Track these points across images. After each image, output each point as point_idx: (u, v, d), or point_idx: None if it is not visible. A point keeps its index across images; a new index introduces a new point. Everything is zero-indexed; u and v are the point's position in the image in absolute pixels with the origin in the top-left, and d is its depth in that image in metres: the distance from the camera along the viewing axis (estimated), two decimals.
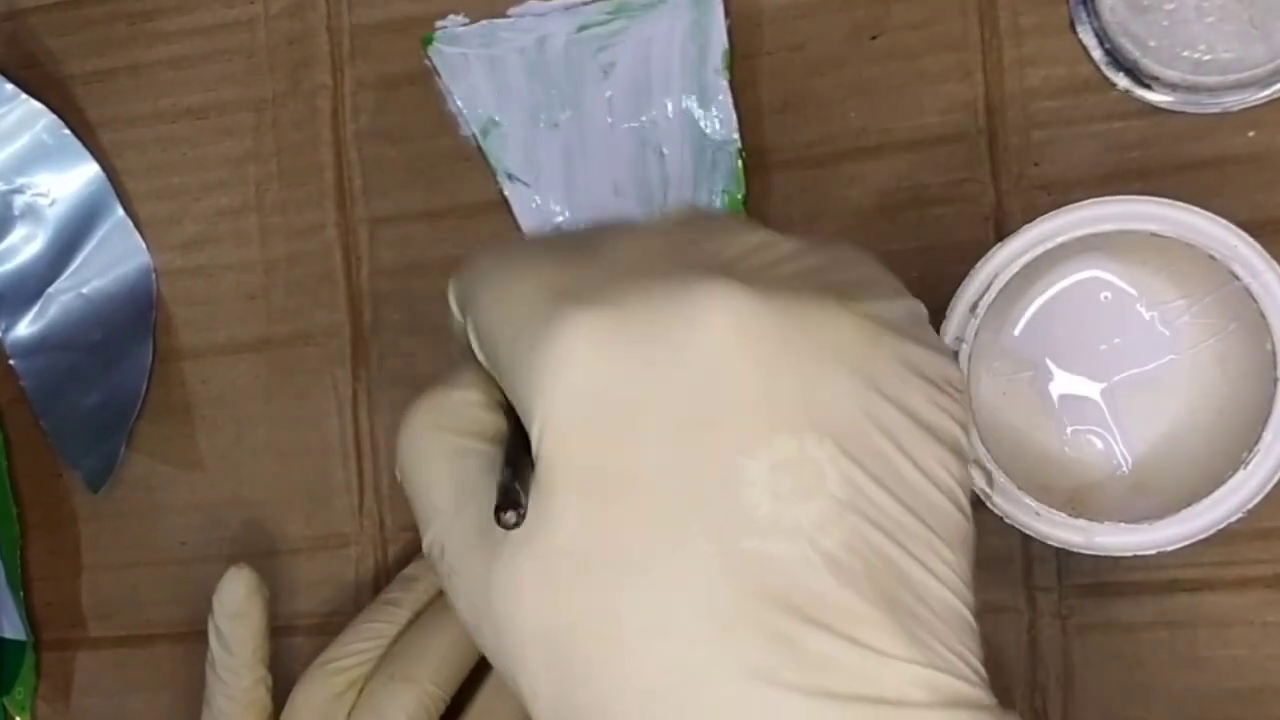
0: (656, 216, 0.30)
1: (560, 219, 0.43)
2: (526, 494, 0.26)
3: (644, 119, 0.42)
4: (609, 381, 0.25)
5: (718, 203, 0.42)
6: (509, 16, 0.43)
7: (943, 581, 0.26)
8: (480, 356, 0.29)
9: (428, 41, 0.44)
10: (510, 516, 0.26)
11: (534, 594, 0.26)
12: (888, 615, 0.25)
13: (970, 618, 0.26)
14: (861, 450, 0.25)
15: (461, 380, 0.30)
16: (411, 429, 0.30)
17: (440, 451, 0.30)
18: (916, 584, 0.26)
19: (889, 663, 0.25)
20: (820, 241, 0.29)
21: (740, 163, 0.41)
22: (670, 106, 0.42)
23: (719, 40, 0.41)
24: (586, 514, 0.26)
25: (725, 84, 0.41)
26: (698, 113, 0.42)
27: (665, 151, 0.42)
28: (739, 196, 0.41)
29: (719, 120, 0.42)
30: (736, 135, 0.41)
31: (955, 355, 0.28)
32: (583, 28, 0.43)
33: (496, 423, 0.30)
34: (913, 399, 0.26)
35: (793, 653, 0.25)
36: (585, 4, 0.43)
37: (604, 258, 0.28)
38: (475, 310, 0.29)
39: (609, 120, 0.43)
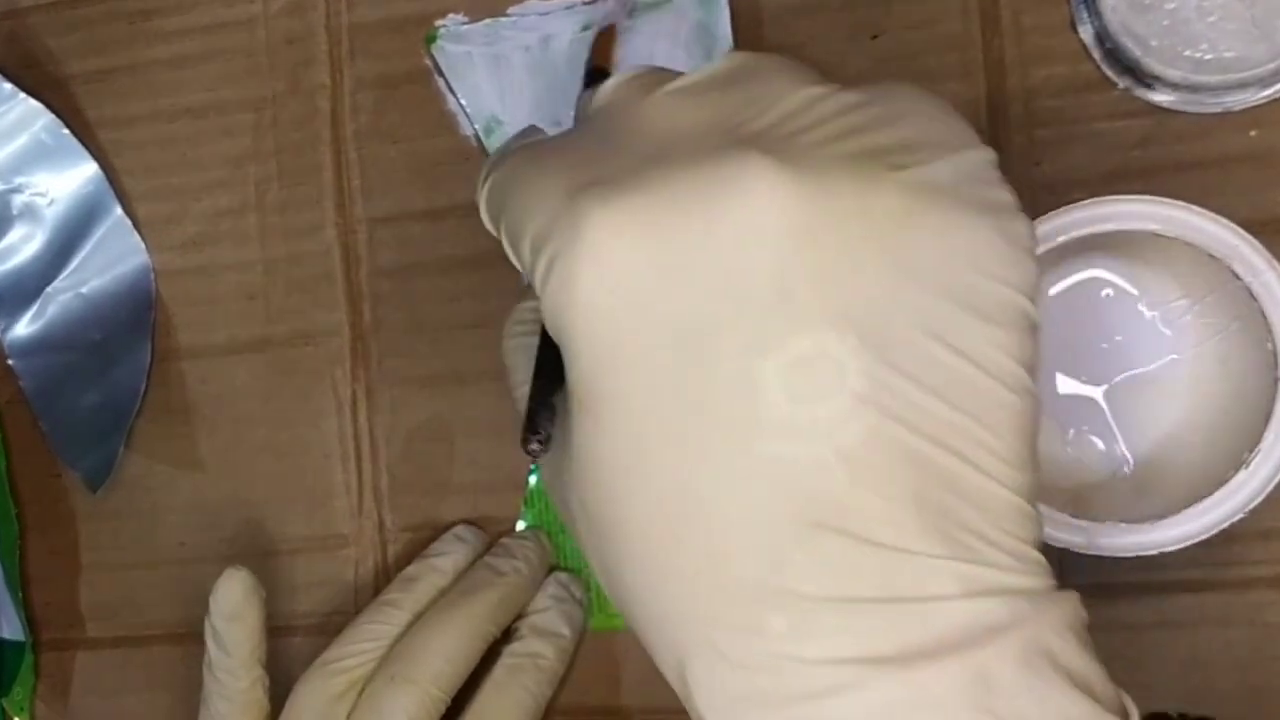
0: (697, 70, 0.28)
1: None
2: (554, 413, 0.27)
3: None
4: (628, 283, 0.24)
5: None
6: (510, 15, 0.43)
7: (980, 469, 0.24)
8: (515, 263, 0.28)
9: (431, 40, 0.44)
10: (534, 446, 0.27)
11: (575, 490, 0.27)
12: (910, 512, 0.24)
13: (1020, 501, 0.25)
14: (886, 340, 0.24)
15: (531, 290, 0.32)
16: (503, 339, 0.35)
17: (519, 350, 0.34)
18: (947, 475, 0.24)
19: (912, 560, 0.24)
20: (874, 90, 0.27)
21: None
22: None
23: (725, 41, 0.41)
24: (609, 423, 0.25)
25: None
26: None
27: None
28: None
29: None
30: None
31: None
32: (587, 27, 0.43)
33: None
34: (955, 275, 0.25)
35: (811, 561, 0.24)
36: (589, 4, 0.43)
37: (631, 142, 0.27)
38: (505, 219, 0.28)
39: None
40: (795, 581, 0.24)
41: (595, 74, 0.40)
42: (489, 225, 0.30)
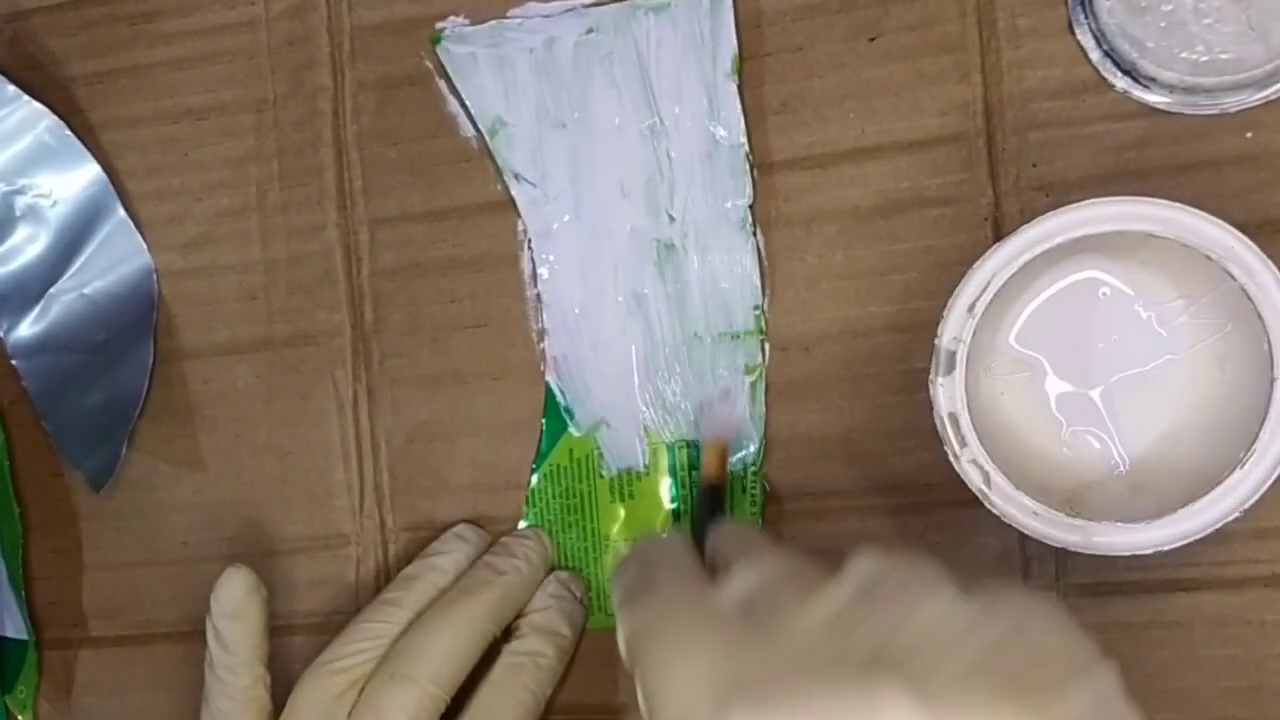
0: (835, 581, 0.29)
1: (566, 218, 0.43)
2: None
3: (652, 121, 0.42)
4: None
5: (727, 205, 0.42)
6: (512, 17, 0.43)
7: None
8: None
9: (436, 40, 0.44)
10: None
11: None
12: None
13: None
14: None
15: None
16: None
17: None
18: None
19: None
20: (1001, 599, 0.27)
21: (748, 166, 0.42)
22: (679, 109, 0.42)
23: (729, 44, 0.42)
24: None
25: (734, 88, 0.42)
26: (706, 116, 0.42)
27: (673, 154, 0.42)
28: (749, 199, 0.42)
29: (727, 124, 0.42)
30: (744, 139, 0.42)
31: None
32: (592, 30, 0.43)
33: None
34: None
35: None
36: (592, 6, 0.43)
37: (771, 642, 0.27)
38: (642, 677, 0.28)
39: (617, 122, 0.43)
40: None
41: (710, 491, 0.40)
42: (624, 661, 0.30)
